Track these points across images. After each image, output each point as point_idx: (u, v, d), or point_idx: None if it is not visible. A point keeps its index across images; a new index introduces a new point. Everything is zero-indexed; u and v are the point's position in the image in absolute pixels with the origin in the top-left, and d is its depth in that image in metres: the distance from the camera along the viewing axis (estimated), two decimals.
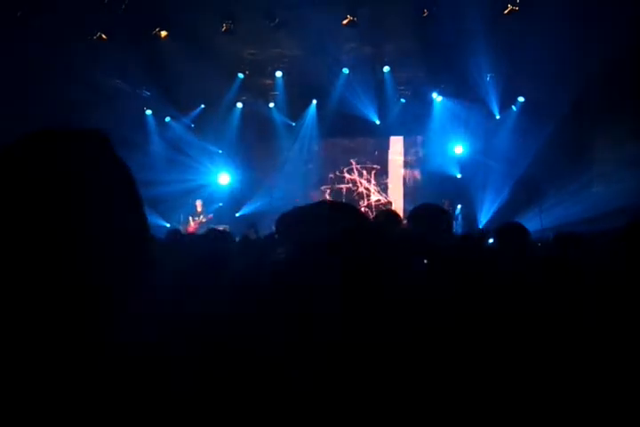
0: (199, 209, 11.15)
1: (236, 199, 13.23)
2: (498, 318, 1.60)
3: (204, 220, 10.84)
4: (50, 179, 0.70)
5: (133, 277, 0.75)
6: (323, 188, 13.62)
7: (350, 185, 13.51)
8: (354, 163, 13.54)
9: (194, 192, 12.46)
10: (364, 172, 13.46)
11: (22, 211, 0.68)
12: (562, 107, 9.95)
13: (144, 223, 0.79)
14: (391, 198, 13.04)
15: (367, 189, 13.40)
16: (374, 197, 13.24)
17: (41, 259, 0.68)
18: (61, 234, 0.69)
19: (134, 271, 0.75)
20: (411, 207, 11.78)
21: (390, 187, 13.20)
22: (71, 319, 0.69)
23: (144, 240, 0.78)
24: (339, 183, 13.57)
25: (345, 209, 1.07)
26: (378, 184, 13.31)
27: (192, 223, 10.79)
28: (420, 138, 13.01)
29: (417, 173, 13.13)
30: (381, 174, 13.33)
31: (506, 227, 2.63)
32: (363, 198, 13.27)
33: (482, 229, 10.04)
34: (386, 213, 3.19)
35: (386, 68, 11.59)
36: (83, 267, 0.70)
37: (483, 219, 11.36)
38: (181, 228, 9.80)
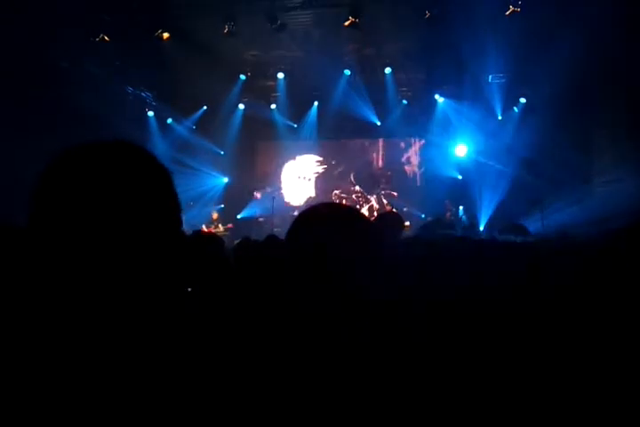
0: (214, 218, 11.21)
1: (238, 201, 13.26)
2: (498, 318, 1.60)
3: (222, 228, 10.87)
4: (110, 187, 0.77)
5: (166, 276, 0.80)
6: (323, 190, 13.62)
7: (351, 187, 13.52)
8: (354, 164, 13.55)
9: (195, 194, 12.47)
10: (365, 174, 13.46)
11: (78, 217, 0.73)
12: (562, 108, 9.95)
13: (181, 232, 0.88)
14: (392, 200, 13.01)
15: (367, 191, 13.39)
16: (374, 200, 13.22)
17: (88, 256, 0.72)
18: (110, 235, 0.74)
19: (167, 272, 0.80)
20: (412, 209, 11.85)
21: (391, 189, 13.19)
22: (94, 315, 0.72)
23: (178, 249, 0.84)
24: (339, 186, 13.58)
25: (346, 212, 1.07)
26: (378, 187, 13.29)
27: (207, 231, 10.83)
28: (421, 139, 13.00)
29: (419, 175, 13.12)
30: (382, 176, 13.32)
31: (508, 227, 2.63)
32: (363, 201, 13.26)
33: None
34: (388, 215, 3.19)
35: (387, 70, 11.60)
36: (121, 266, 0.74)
37: (484, 220, 11.36)
38: (184, 230, 9.80)
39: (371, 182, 13.38)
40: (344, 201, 12.87)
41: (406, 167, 13.24)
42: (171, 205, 0.84)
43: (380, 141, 13.37)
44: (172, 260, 0.81)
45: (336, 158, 13.67)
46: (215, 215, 11.27)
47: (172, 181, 0.87)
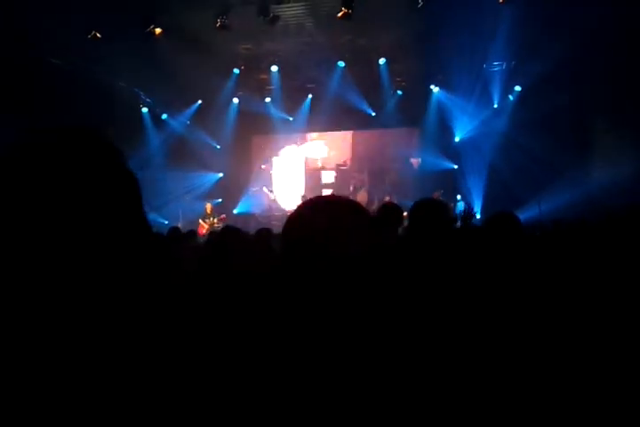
0: (209, 211, 11.24)
1: (234, 195, 13.27)
2: (492, 311, 1.61)
3: (215, 221, 10.91)
4: (51, 180, 0.72)
5: (135, 275, 0.76)
6: (321, 183, 13.60)
7: (345, 178, 13.49)
8: (349, 155, 13.53)
9: (191, 188, 12.48)
10: (360, 164, 13.44)
11: (25, 211, 0.70)
12: (560, 93, 9.92)
13: (145, 223, 0.81)
14: (389, 191, 12.98)
15: (362, 181, 13.37)
16: (371, 191, 13.19)
17: (44, 257, 0.70)
18: (64, 234, 0.71)
19: (136, 270, 0.76)
20: (407, 200, 11.90)
21: (387, 179, 13.15)
22: (72, 319, 0.70)
23: (146, 239, 0.79)
24: (337, 178, 13.56)
25: (345, 204, 1.07)
26: (374, 177, 13.26)
27: (204, 225, 10.88)
28: (416, 129, 12.96)
29: (415, 164, 13.08)
30: (378, 167, 13.28)
31: (497, 216, 2.64)
32: (359, 192, 13.24)
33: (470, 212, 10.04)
34: (388, 205, 3.20)
35: (381, 60, 11.55)
36: (85, 266, 0.71)
37: (481, 208, 11.37)
38: (181, 226, 9.82)
39: (365, 173, 13.35)
40: (337, 192, 12.83)
41: (400, 157, 13.18)
42: (126, 192, 0.78)
43: (375, 132, 13.31)
44: (135, 249, 0.77)
45: (332, 150, 13.64)
46: (209, 208, 11.30)
47: (125, 164, 0.81)
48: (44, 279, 0.70)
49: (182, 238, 5.33)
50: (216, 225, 10.67)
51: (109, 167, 0.78)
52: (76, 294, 0.70)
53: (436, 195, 10.72)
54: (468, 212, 3.33)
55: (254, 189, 13.61)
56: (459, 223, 3.64)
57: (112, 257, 0.74)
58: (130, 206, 0.78)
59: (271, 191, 13.65)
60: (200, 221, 11.04)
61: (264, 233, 4.15)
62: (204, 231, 10.31)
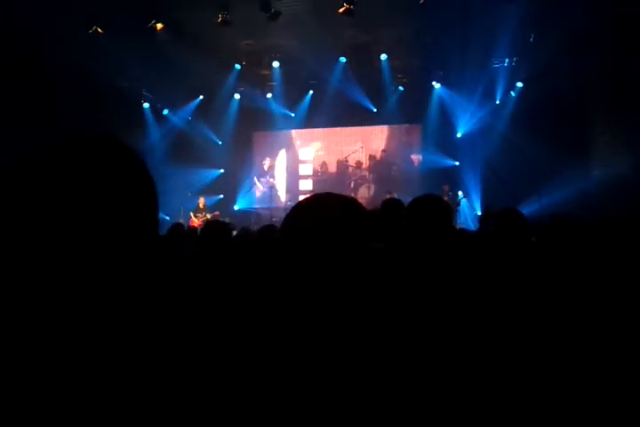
0: (201, 206, 11.19)
1: (235, 191, 13.26)
2: (497, 308, 1.61)
3: (208, 216, 10.87)
4: (77, 186, 0.74)
5: (138, 276, 0.77)
6: (322, 179, 13.58)
7: (345, 175, 13.47)
8: (351, 152, 13.49)
9: (192, 184, 12.46)
10: (362, 161, 13.41)
11: (47, 215, 0.71)
12: (560, 91, 9.90)
13: (156, 227, 0.84)
14: (390, 188, 12.96)
15: (364, 178, 13.34)
16: (373, 188, 13.17)
17: (59, 256, 0.71)
18: (83, 236, 0.72)
19: (140, 269, 0.77)
20: (408, 197, 11.86)
21: (388, 176, 13.12)
22: (79, 316, 0.71)
23: (154, 242, 0.81)
24: (338, 175, 13.53)
25: (345, 202, 1.07)
26: (374, 174, 13.24)
27: (195, 219, 10.84)
28: (417, 126, 12.92)
29: (415, 161, 13.06)
30: (379, 163, 13.26)
31: (503, 213, 2.63)
32: (360, 189, 13.23)
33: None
34: (390, 202, 3.20)
35: (383, 56, 11.52)
36: (94, 265, 0.72)
37: (483, 204, 11.36)
38: (182, 221, 9.82)
39: (367, 170, 13.33)
40: (338, 190, 12.81)
41: (403, 154, 13.15)
42: (148, 205, 0.81)
43: (377, 128, 13.28)
44: (146, 259, 0.78)
45: (332, 146, 13.61)
46: (201, 203, 11.26)
47: (150, 177, 0.84)
48: (55, 277, 0.70)
49: (185, 235, 5.34)
50: (208, 219, 10.66)
51: (132, 174, 0.81)
52: (81, 293, 0.71)
53: (446, 188, 10.71)
54: (487, 215, 3.31)
55: (254, 185, 13.63)
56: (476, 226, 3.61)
57: (120, 256, 0.75)
58: (146, 212, 0.80)
59: (262, 182, 13.58)
60: (191, 214, 11.01)
61: (268, 231, 4.12)
62: (195, 226, 10.31)
